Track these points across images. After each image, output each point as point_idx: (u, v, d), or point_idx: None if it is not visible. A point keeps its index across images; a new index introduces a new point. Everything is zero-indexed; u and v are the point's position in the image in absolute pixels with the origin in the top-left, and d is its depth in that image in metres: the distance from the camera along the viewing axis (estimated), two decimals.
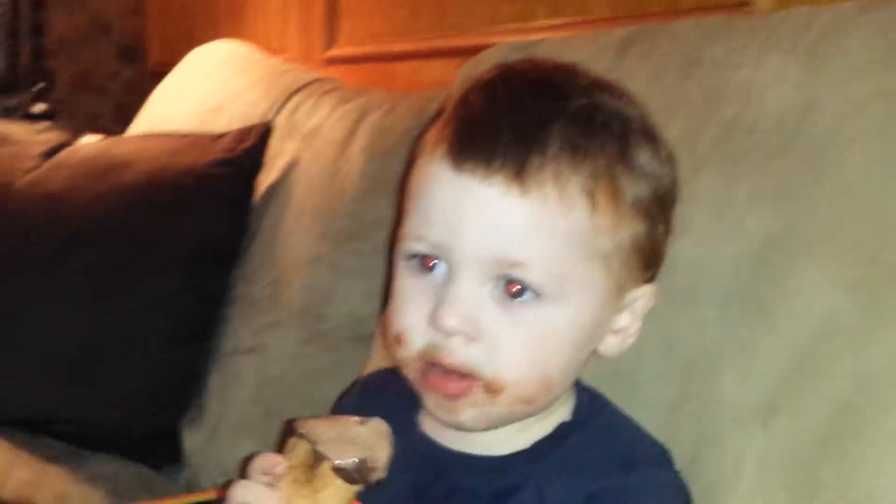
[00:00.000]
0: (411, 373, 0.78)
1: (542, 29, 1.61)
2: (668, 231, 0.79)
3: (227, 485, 0.76)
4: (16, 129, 1.93)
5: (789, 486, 0.74)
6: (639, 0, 1.52)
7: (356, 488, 0.71)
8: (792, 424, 0.75)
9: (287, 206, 1.56)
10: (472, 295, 0.73)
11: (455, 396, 0.75)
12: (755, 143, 0.85)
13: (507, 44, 1.22)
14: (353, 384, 1.00)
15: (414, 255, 0.77)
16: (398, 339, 0.77)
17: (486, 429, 0.78)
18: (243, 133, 1.64)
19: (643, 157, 0.76)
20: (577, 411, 0.81)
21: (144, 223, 1.56)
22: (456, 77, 1.26)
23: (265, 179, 1.62)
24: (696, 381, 0.83)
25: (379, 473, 0.71)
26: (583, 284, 0.74)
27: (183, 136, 1.74)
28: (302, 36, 2.43)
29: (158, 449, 1.53)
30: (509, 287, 0.73)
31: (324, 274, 1.43)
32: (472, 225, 0.73)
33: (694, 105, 0.92)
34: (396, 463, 0.79)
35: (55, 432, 1.54)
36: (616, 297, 0.77)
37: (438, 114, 0.80)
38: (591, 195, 0.72)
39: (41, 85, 3.19)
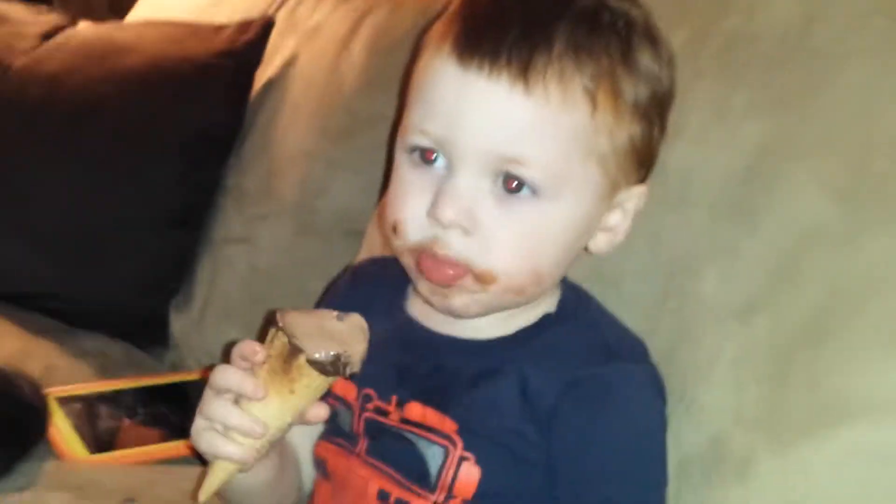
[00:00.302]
0: (407, 261, 0.80)
1: None
2: (662, 133, 0.81)
3: (210, 367, 0.79)
4: (14, 10, 1.88)
5: (761, 379, 0.76)
6: None
7: (331, 380, 0.73)
8: (769, 323, 0.77)
9: (284, 101, 1.56)
10: (471, 189, 0.75)
11: (447, 283, 0.77)
12: (757, 53, 0.86)
13: None
14: (345, 270, 1.02)
15: (415, 149, 0.78)
16: (395, 229, 0.79)
17: (477, 315, 0.80)
18: (245, 26, 1.62)
19: (645, 58, 0.77)
20: (562, 305, 0.83)
21: (143, 108, 1.55)
22: None
23: (263, 74, 1.61)
24: (678, 280, 0.85)
25: (353, 368, 0.73)
26: (579, 183, 0.76)
27: (184, 25, 1.72)
28: None
29: (146, 330, 1.56)
30: (508, 183, 0.74)
31: (319, 168, 1.44)
32: (474, 120, 0.74)
33: (700, 14, 0.93)
34: (383, 344, 0.82)
35: (45, 308, 1.55)
36: (609, 195, 0.79)
37: (444, 8, 0.81)
38: (592, 95, 0.73)
39: None
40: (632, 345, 0.82)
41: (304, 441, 0.90)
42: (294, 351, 0.72)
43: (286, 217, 1.46)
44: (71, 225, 1.53)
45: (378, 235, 1.18)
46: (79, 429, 1.19)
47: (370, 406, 0.83)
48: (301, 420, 0.76)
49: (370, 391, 0.83)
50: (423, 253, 0.77)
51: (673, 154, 0.85)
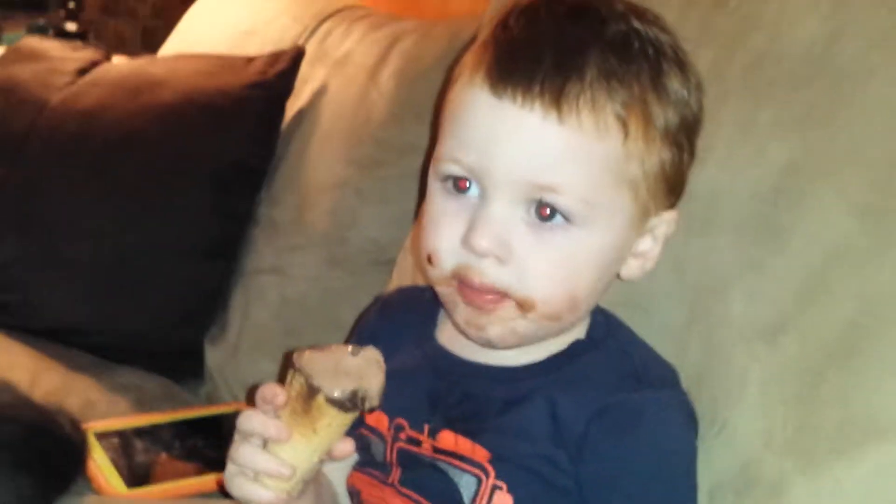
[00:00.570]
0: (443, 290, 0.80)
1: None
2: (692, 158, 0.81)
3: (246, 399, 0.79)
4: (50, 46, 1.92)
5: (791, 399, 0.76)
6: None
7: (352, 415, 0.74)
8: (797, 343, 0.77)
9: (315, 131, 1.58)
10: (505, 217, 0.75)
11: (488, 309, 0.77)
12: (782, 72, 0.86)
13: None
14: (375, 300, 1.02)
15: (448, 177, 0.78)
16: (430, 258, 0.79)
17: (512, 346, 0.80)
18: (276, 57, 1.65)
19: (675, 84, 0.77)
20: (592, 332, 0.83)
21: (176, 141, 1.57)
22: (487, 6, 1.26)
23: (294, 104, 1.63)
24: (706, 302, 0.85)
25: (371, 402, 0.73)
26: (611, 209, 0.76)
27: (216, 58, 1.75)
28: None
29: (181, 363, 1.56)
30: (541, 210, 0.75)
31: (348, 198, 1.45)
32: (508, 149, 0.74)
33: (724, 35, 0.92)
34: (413, 373, 0.83)
35: (83, 344, 1.56)
36: (640, 221, 0.79)
37: (475, 37, 0.81)
38: (624, 122, 0.74)
39: (71, 4, 3.19)
40: (662, 372, 0.82)
41: (338, 472, 0.90)
42: (312, 391, 0.72)
43: (317, 248, 1.46)
44: (106, 258, 1.54)
45: (408, 265, 1.18)
46: (116, 463, 1.20)
47: (402, 436, 0.83)
48: (329, 457, 0.77)
49: (402, 421, 0.83)
50: (460, 281, 0.77)
51: (699, 175, 0.84)
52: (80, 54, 1.87)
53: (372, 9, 1.84)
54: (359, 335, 0.96)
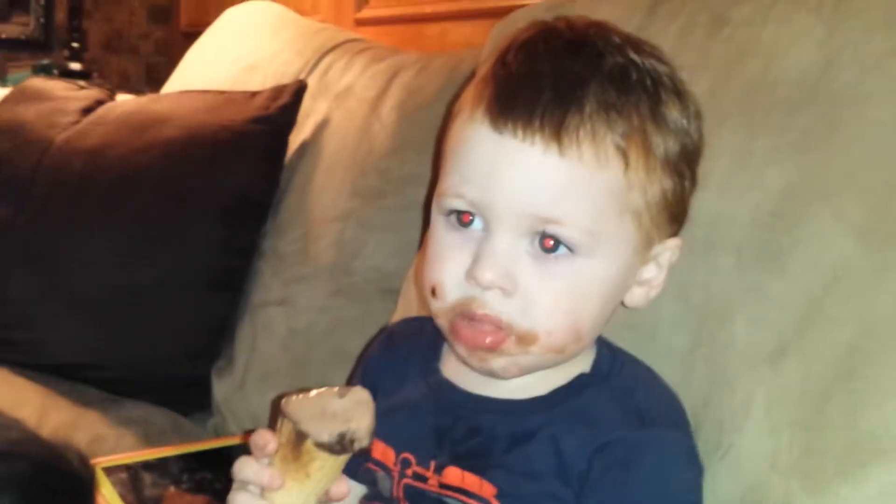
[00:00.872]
0: (444, 323, 0.80)
1: None
2: (693, 186, 0.81)
3: (252, 431, 0.80)
4: (55, 86, 1.94)
5: (795, 422, 0.76)
6: None
7: (343, 458, 0.74)
8: (800, 366, 0.77)
9: (318, 163, 1.59)
10: (509, 250, 0.75)
11: (489, 347, 0.77)
12: (778, 98, 0.87)
13: (541, 3, 1.24)
14: (380, 331, 1.03)
15: (452, 212, 0.79)
16: (434, 291, 0.79)
17: (516, 376, 0.80)
18: (278, 91, 1.66)
19: (673, 113, 0.78)
20: (597, 366, 0.83)
21: (181, 177, 1.58)
22: (486, 38, 1.27)
23: (297, 137, 1.64)
24: (709, 327, 0.85)
25: (361, 443, 0.73)
26: (615, 239, 0.76)
27: (219, 94, 1.76)
28: None
29: (189, 396, 1.57)
30: (545, 242, 0.75)
31: (353, 229, 1.46)
32: (510, 183, 0.74)
33: (720, 62, 0.93)
34: (418, 406, 0.83)
35: (90, 378, 1.57)
36: (644, 250, 0.79)
37: (474, 72, 0.82)
38: (624, 153, 0.74)
39: (75, 44, 3.23)
40: (667, 411, 0.81)
41: None
42: (301, 436, 0.73)
43: (322, 278, 1.47)
44: (113, 293, 1.55)
45: (413, 294, 1.19)
46: (125, 498, 1.20)
47: (409, 472, 0.83)
48: (326, 498, 0.77)
49: (409, 455, 0.83)
50: (460, 316, 0.77)
51: (699, 201, 0.85)
52: (84, 93, 1.89)
53: (373, 42, 1.86)
54: (364, 367, 0.96)
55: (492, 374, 0.80)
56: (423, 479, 0.82)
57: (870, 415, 0.72)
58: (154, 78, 2.68)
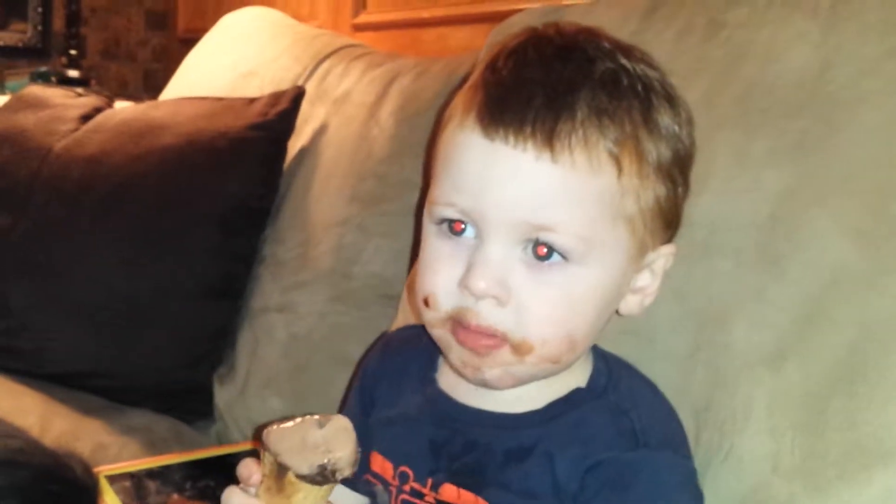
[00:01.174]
0: (438, 332, 0.80)
1: None
2: (686, 191, 0.81)
3: (254, 437, 0.79)
4: (53, 94, 1.94)
5: (797, 425, 0.76)
6: None
7: (327, 488, 0.74)
8: (800, 368, 0.77)
9: (316, 169, 1.59)
10: (502, 258, 0.74)
11: (483, 353, 0.76)
12: (775, 101, 0.87)
13: (538, 8, 1.24)
14: (379, 338, 1.03)
15: (443, 220, 0.78)
16: (427, 301, 0.79)
17: (511, 387, 0.79)
18: (276, 97, 1.66)
19: (665, 119, 0.77)
20: (593, 381, 0.82)
21: (180, 184, 1.58)
22: (483, 43, 1.27)
23: (296, 143, 1.64)
24: (709, 331, 0.85)
25: (342, 472, 0.73)
26: (608, 246, 0.75)
27: (217, 100, 1.76)
28: (330, 2, 2.44)
29: (191, 403, 1.57)
30: (538, 249, 0.74)
31: (352, 234, 1.46)
32: (502, 191, 0.74)
33: (717, 65, 0.94)
34: (415, 418, 0.83)
35: (92, 387, 1.57)
36: (638, 257, 0.78)
37: (465, 79, 0.81)
38: (617, 159, 0.73)
39: (73, 51, 3.23)
40: (664, 432, 0.80)
41: None
42: (282, 469, 0.73)
43: (322, 284, 1.47)
44: (114, 301, 1.55)
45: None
46: None
47: (406, 487, 0.83)
48: None
49: (407, 469, 0.83)
50: (456, 323, 0.77)
51: (697, 205, 0.85)
52: (82, 101, 1.89)
53: (370, 47, 1.86)
54: (362, 377, 0.96)
55: (486, 385, 0.79)
56: (420, 496, 0.82)
57: (871, 417, 0.72)
58: (152, 84, 2.68)
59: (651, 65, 0.79)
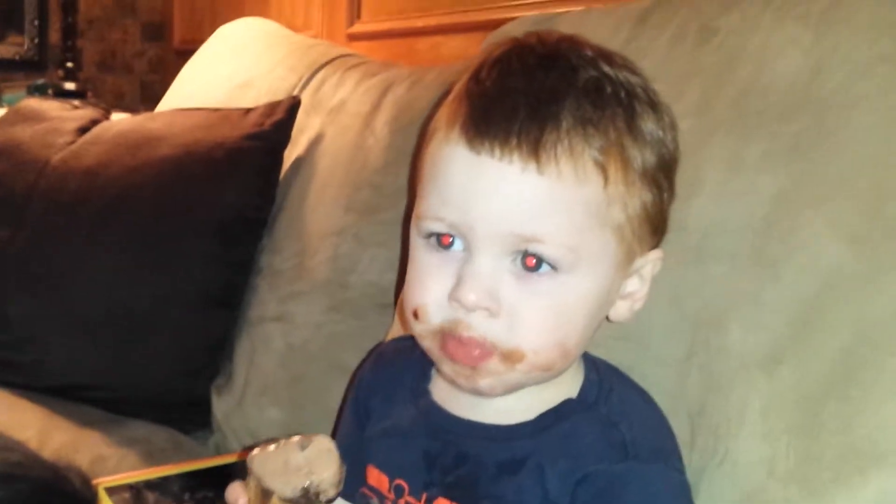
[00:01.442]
0: (429, 344, 0.79)
1: (561, 2, 1.62)
2: (672, 196, 0.80)
3: (252, 447, 0.80)
4: (50, 106, 1.95)
5: (792, 428, 0.76)
6: None
7: None
8: (795, 371, 0.78)
9: (312, 179, 1.59)
10: (491, 270, 0.74)
11: (474, 364, 0.76)
12: (768, 105, 0.87)
13: (530, 17, 1.24)
14: (371, 352, 1.02)
15: (431, 234, 0.78)
16: (416, 314, 0.78)
17: (503, 394, 0.79)
18: (272, 107, 1.66)
19: (649, 125, 0.77)
20: (584, 391, 0.81)
21: (177, 194, 1.59)
22: (477, 51, 1.28)
23: (292, 153, 1.65)
24: (703, 334, 0.85)
25: (326, 494, 0.73)
26: (597, 254, 0.75)
27: (214, 111, 1.77)
28: (325, 12, 2.45)
29: (189, 414, 1.57)
30: (527, 260, 0.74)
31: (348, 244, 1.45)
32: (489, 203, 0.73)
33: (710, 70, 0.94)
34: (409, 430, 0.83)
35: (90, 399, 1.57)
36: (626, 263, 0.78)
37: (448, 91, 0.80)
38: (603, 167, 0.73)
39: (69, 64, 3.24)
40: (655, 443, 0.79)
41: None
42: (266, 493, 0.73)
43: (319, 294, 1.47)
44: (111, 312, 1.55)
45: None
46: None
47: (401, 502, 0.83)
48: None
49: (402, 482, 0.83)
50: (447, 336, 0.77)
51: (691, 209, 0.85)
52: (79, 113, 1.89)
53: (365, 57, 1.86)
54: (357, 388, 0.96)
55: (478, 393, 0.79)
56: None
57: (866, 420, 0.72)
58: (149, 96, 2.69)
59: (633, 71, 0.79)
